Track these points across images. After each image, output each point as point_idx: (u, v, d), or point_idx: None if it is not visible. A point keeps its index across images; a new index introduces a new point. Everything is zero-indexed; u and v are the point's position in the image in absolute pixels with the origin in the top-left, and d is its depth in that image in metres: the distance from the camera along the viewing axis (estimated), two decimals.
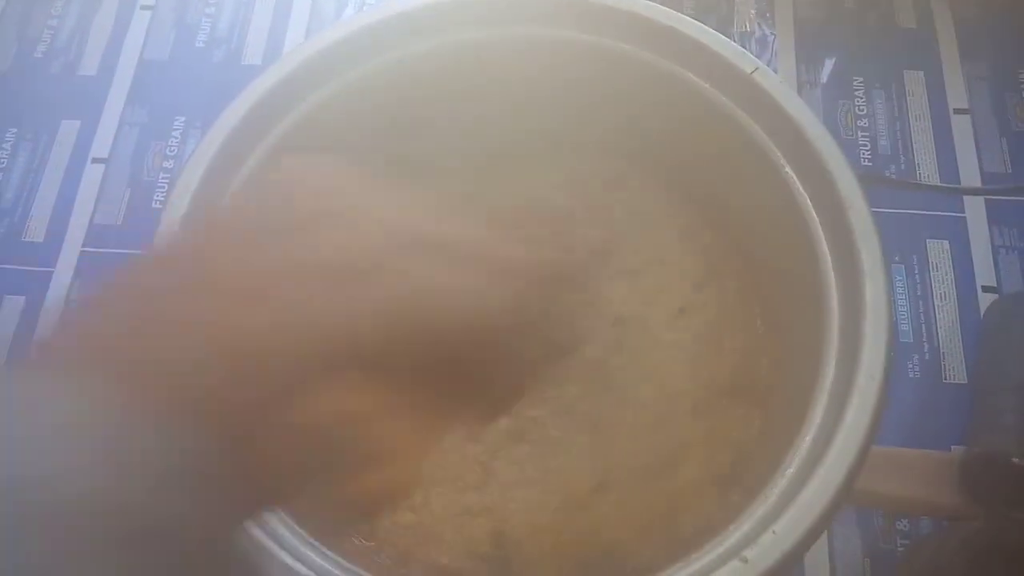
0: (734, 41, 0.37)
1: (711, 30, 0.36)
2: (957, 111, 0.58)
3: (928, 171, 0.56)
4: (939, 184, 0.54)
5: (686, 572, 0.29)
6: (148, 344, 0.17)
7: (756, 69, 0.35)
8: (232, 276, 0.18)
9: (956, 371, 0.50)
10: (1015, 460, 0.40)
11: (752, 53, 0.37)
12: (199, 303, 0.18)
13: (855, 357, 0.31)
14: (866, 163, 0.56)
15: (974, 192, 0.53)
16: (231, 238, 0.19)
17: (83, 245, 0.54)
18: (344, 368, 0.18)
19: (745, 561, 0.28)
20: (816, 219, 0.34)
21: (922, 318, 0.52)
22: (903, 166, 0.56)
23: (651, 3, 0.38)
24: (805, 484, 0.30)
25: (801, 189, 0.34)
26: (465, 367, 0.21)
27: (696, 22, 0.37)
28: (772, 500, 0.30)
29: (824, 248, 0.33)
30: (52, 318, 0.18)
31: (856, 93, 0.59)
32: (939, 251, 0.54)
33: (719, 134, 0.38)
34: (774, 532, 0.29)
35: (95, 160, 0.57)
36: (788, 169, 0.35)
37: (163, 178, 0.56)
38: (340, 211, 0.19)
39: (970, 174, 0.56)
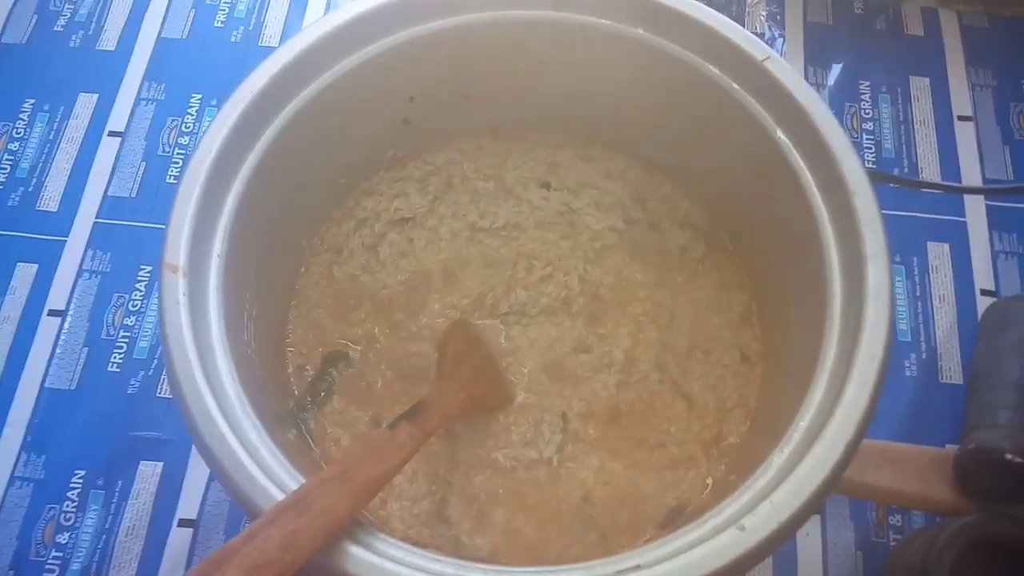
0: None
1: (725, 17, 0.37)
2: (961, 118, 0.59)
3: (931, 176, 0.57)
4: (940, 183, 0.55)
5: (686, 540, 0.29)
6: None
7: (768, 57, 0.36)
8: None
9: (952, 372, 0.51)
10: (1008, 456, 0.41)
11: None
12: None
13: (856, 338, 0.31)
14: (870, 165, 0.57)
15: (974, 191, 0.54)
16: None
17: (97, 216, 0.54)
18: None
19: (743, 529, 0.29)
20: (821, 203, 0.34)
21: (920, 318, 0.52)
22: (906, 170, 0.57)
23: None
24: (803, 459, 0.30)
25: (808, 173, 0.35)
26: None
27: (708, 8, 0.37)
28: (771, 474, 0.31)
29: (828, 231, 0.34)
30: None
31: (862, 97, 0.60)
32: (940, 254, 0.54)
33: (727, 119, 0.39)
34: (771, 502, 0.29)
35: (111, 133, 0.57)
36: (795, 154, 0.36)
37: (178, 153, 0.57)
38: None
39: (972, 181, 0.56)
